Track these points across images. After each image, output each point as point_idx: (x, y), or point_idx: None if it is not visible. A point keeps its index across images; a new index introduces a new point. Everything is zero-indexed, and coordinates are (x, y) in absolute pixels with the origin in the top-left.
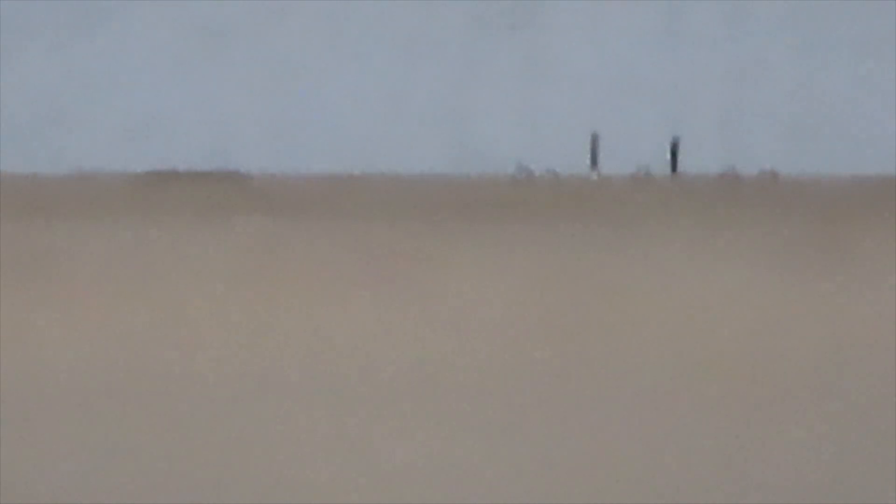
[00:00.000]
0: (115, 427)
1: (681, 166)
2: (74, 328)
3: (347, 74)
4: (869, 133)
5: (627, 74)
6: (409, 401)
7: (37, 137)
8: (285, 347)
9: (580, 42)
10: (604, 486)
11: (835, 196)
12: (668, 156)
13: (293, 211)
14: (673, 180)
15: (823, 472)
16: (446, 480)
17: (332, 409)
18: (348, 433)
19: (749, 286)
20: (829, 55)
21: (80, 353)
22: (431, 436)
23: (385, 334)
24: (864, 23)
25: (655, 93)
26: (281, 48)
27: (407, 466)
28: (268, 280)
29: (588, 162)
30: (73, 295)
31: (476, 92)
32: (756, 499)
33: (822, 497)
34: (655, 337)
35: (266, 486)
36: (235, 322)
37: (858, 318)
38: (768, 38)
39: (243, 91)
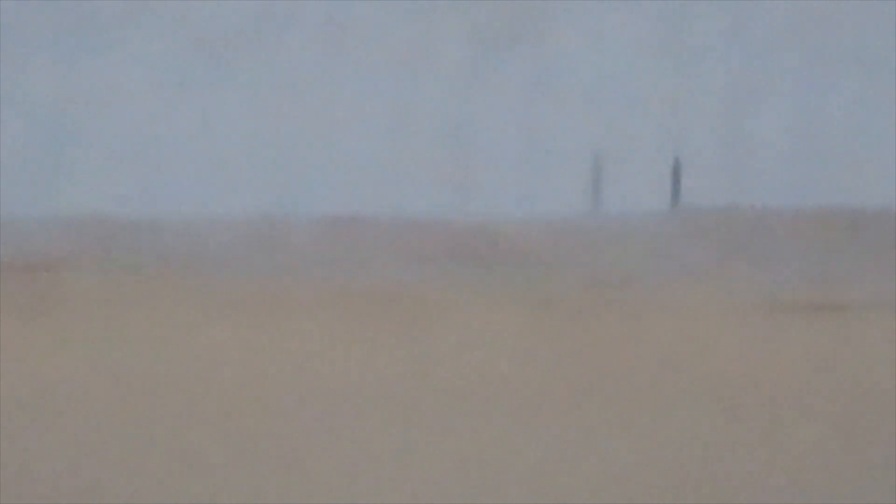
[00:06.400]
0: (110, 444)
1: (683, 191)
2: (75, 357)
3: (347, 94)
4: (872, 157)
5: (630, 95)
6: (409, 430)
7: (35, 173)
8: (282, 383)
9: (582, 61)
10: None
11: (835, 228)
12: (671, 181)
13: (292, 255)
14: (674, 214)
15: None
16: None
17: (323, 433)
18: (341, 459)
19: (749, 320)
20: (832, 75)
21: (78, 380)
22: (429, 464)
23: (384, 370)
24: (867, 39)
25: (659, 116)
26: (280, 68)
27: (406, 488)
28: (265, 321)
29: (590, 190)
30: (75, 331)
31: (477, 116)
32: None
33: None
34: (656, 370)
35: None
36: (234, 357)
37: (857, 351)
38: (771, 58)
39: (243, 120)
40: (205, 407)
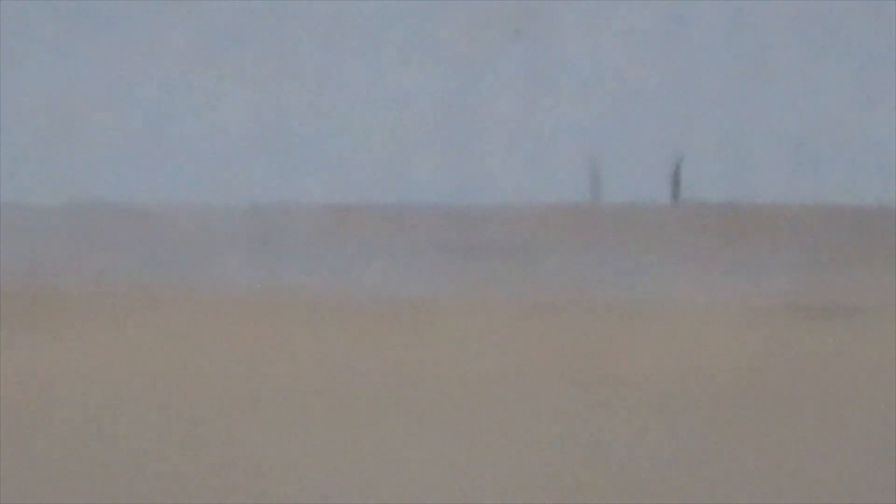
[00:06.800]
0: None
1: (683, 188)
2: (78, 359)
3: (347, 85)
4: (872, 153)
5: (630, 88)
6: (406, 432)
7: (37, 158)
8: (278, 378)
9: (583, 53)
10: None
11: (836, 225)
12: (671, 176)
13: (291, 242)
14: (674, 208)
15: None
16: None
17: (321, 433)
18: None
19: (748, 317)
20: (832, 68)
21: (82, 382)
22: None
23: (381, 372)
24: (867, 33)
25: (659, 109)
26: (281, 59)
27: (404, 481)
28: (265, 316)
29: (590, 183)
30: (78, 329)
31: (476, 107)
32: None
33: None
34: (656, 370)
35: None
36: (233, 359)
37: (857, 347)
38: (772, 52)
39: (245, 109)
40: (202, 407)
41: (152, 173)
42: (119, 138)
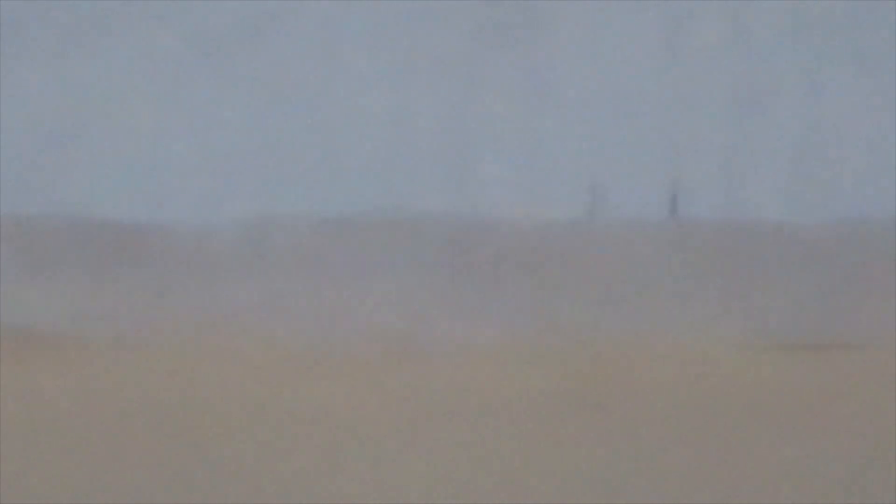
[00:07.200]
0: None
1: (681, 206)
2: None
3: (344, 96)
4: (873, 171)
5: (629, 102)
6: (409, 455)
7: (35, 172)
8: (273, 403)
9: (581, 66)
10: None
11: (836, 244)
12: (669, 194)
13: (287, 263)
14: (673, 227)
15: None
16: None
17: (310, 462)
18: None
19: (746, 343)
20: (834, 83)
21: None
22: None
23: (380, 393)
24: (867, 44)
25: (657, 128)
26: (277, 69)
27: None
28: (260, 337)
29: (589, 199)
30: (75, 356)
31: (474, 119)
32: None
33: None
34: (649, 389)
35: None
36: (230, 378)
37: (858, 372)
38: (771, 67)
39: (241, 121)
40: (200, 431)
41: (145, 184)
42: (112, 149)
